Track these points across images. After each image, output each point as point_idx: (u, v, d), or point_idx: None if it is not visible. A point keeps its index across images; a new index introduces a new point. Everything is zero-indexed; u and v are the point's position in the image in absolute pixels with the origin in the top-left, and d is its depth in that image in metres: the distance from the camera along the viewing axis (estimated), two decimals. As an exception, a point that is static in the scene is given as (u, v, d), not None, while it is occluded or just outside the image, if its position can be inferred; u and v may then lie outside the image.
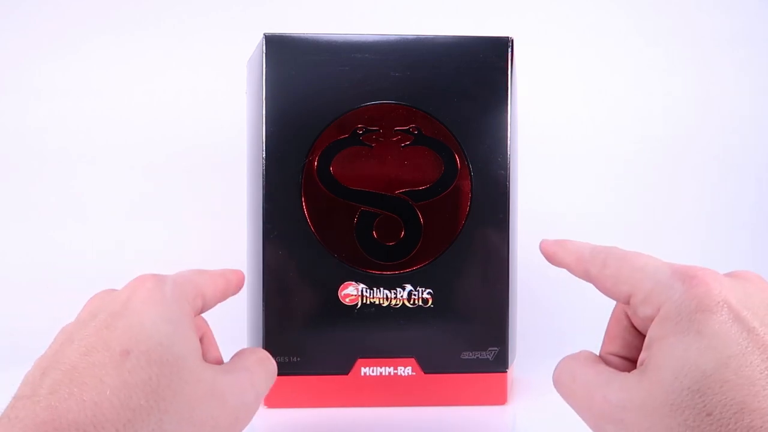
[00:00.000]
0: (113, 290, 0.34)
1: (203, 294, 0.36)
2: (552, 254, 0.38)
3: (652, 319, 0.31)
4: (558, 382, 0.35)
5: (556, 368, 0.35)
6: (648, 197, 0.78)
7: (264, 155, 0.48)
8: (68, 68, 0.74)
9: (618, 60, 0.78)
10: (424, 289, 0.49)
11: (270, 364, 0.37)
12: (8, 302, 0.70)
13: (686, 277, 0.30)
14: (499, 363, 0.50)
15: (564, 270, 0.37)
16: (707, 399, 0.27)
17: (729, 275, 0.32)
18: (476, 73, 0.49)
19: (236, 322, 0.60)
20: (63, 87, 0.74)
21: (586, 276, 0.35)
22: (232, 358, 0.37)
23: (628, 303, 0.33)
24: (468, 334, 0.50)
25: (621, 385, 0.30)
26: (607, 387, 0.31)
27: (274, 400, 0.49)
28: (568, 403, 0.34)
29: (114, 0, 0.74)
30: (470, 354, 0.50)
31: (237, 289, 0.40)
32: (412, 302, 0.49)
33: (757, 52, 0.79)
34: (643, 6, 0.78)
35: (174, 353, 0.30)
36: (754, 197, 0.79)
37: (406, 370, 0.49)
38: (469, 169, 0.49)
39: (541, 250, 0.39)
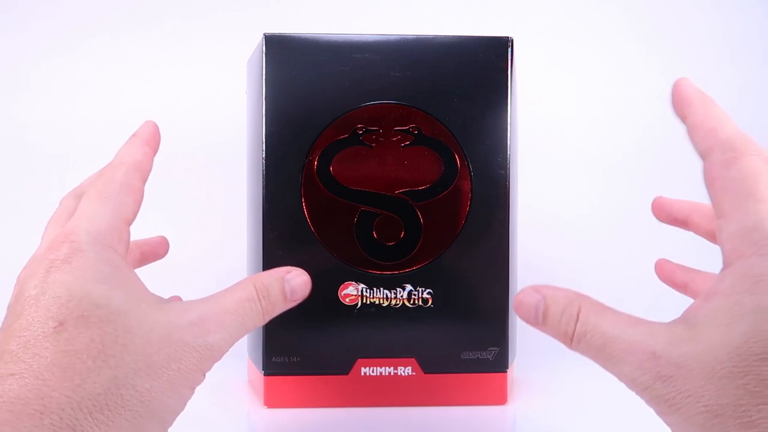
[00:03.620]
0: (27, 267, 0.32)
1: (128, 220, 0.34)
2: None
3: (728, 247, 0.30)
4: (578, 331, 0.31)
5: (551, 302, 0.32)
6: (648, 196, 0.78)
7: (264, 155, 0.48)
8: (68, 68, 0.74)
9: (617, 60, 0.78)
10: (424, 289, 0.49)
11: (249, 306, 0.34)
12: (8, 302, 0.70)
13: None
14: (499, 363, 0.50)
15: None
16: None
17: None
18: (476, 73, 0.49)
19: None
20: (63, 87, 0.74)
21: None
22: (219, 292, 0.34)
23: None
24: (468, 334, 0.50)
25: (670, 339, 0.29)
26: (653, 340, 0.29)
27: (274, 400, 0.49)
28: (584, 351, 0.31)
29: (114, 0, 0.74)
30: (470, 354, 0.50)
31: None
32: (412, 302, 0.49)
33: (756, 52, 0.79)
34: (642, 6, 0.78)
35: (113, 309, 0.29)
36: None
37: (406, 370, 0.49)
38: (469, 169, 0.49)
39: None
